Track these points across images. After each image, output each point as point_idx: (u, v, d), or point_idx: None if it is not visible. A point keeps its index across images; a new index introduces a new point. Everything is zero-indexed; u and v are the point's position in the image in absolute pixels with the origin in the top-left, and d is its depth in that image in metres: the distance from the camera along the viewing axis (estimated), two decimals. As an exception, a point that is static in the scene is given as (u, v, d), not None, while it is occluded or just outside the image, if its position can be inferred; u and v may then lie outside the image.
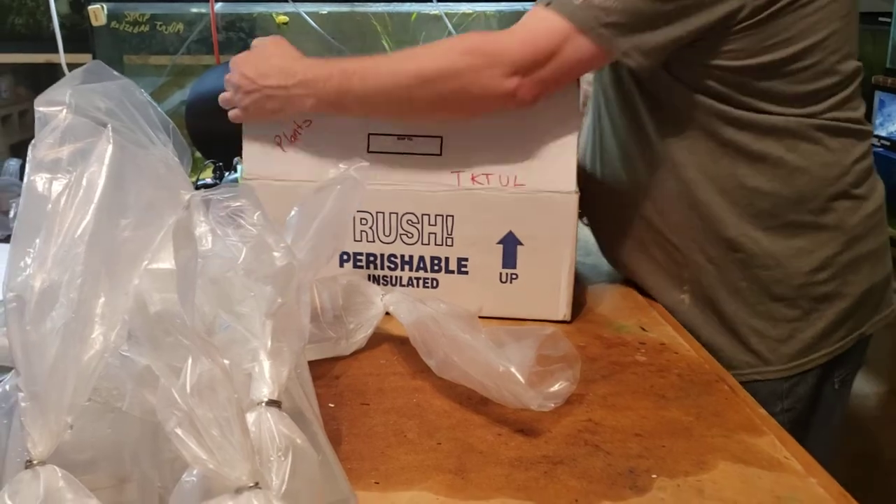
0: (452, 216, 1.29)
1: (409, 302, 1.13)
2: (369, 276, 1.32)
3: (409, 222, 1.30)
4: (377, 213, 1.29)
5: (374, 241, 1.31)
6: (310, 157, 1.32)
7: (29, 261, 0.66)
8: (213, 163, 2.10)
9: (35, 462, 0.62)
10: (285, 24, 2.51)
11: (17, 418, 0.67)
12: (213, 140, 2.31)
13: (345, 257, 1.32)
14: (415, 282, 1.33)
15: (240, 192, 0.91)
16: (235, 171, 1.94)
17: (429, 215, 1.29)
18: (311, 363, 0.90)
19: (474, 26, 2.70)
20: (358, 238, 1.30)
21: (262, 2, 2.54)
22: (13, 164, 2.08)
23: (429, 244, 1.31)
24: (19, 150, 3.50)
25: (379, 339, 1.21)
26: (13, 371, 0.70)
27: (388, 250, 1.31)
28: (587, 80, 1.46)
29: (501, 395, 1.00)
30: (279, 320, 0.79)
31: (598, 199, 1.41)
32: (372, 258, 1.32)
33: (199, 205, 0.84)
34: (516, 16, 2.71)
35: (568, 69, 1.18)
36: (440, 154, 1.29)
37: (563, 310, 1.31)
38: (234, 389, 0.64)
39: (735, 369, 1.28)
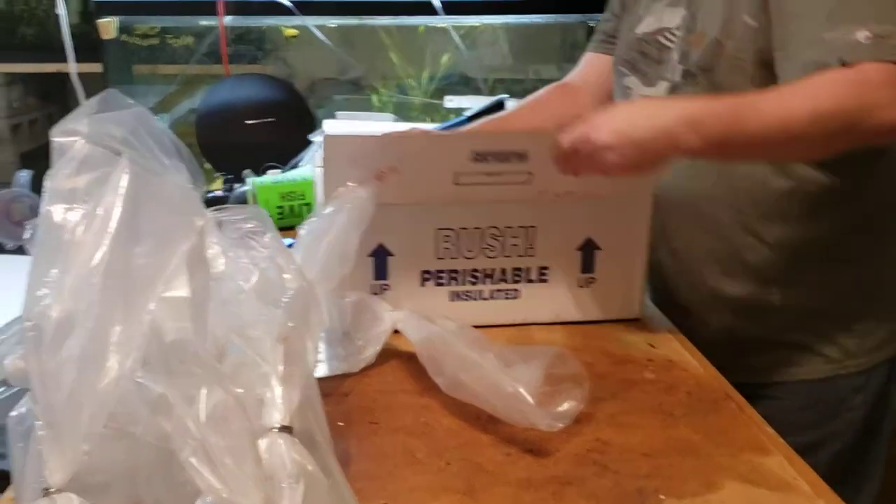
0: (535, 227, 1.31)
1: (417, 320, 1.14)
2: (451, 292, 1.34)
3: (493, 236, 1.32)
4: (460, 229, 1.30)
5: (457, 258, 1.32)
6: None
7: (46, 290, 0.67)
8: (223, 175, 2.12)
9: (52, 490, 0.63)
10: (294, 37, 2.53)
11: (33, 442, 0.67)
12: (222, 152, 2.33)
13: (426, 276, 1.33)
14: (496, 294, 1.35)
15: (251, 213, 0.92)
16: (244, 182, 1.96)
17: (511, 227, 1.31)
18: (319, 380, 0.91)
19: (482, 39, 2.71)
20: (441, 255, 1.32)
21: (270, 15, 2.54)
22: (24, 175, 2.09)
23: (511, 256, 1.33)
24: (30, 160, 3.51)
25: (387, 355, 1.22)
26: (29, 394, 0.71)
27: (470, 265, 1.33)
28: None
29: (510, 415, 1.00)
30: (290, 344, 0.79)
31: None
32: (454, 274, 1.33)
33: (211, 227, 0.85)
34: (524, 28, 2.74)
35: None
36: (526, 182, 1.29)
37: (637, 308, 1.38)
38: (247, 419, 0.64)
39: (816, 366, 1.34)
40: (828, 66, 1.10)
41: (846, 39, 1.10)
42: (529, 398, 0.97)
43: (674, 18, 1.36)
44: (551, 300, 1.35)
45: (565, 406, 1.00)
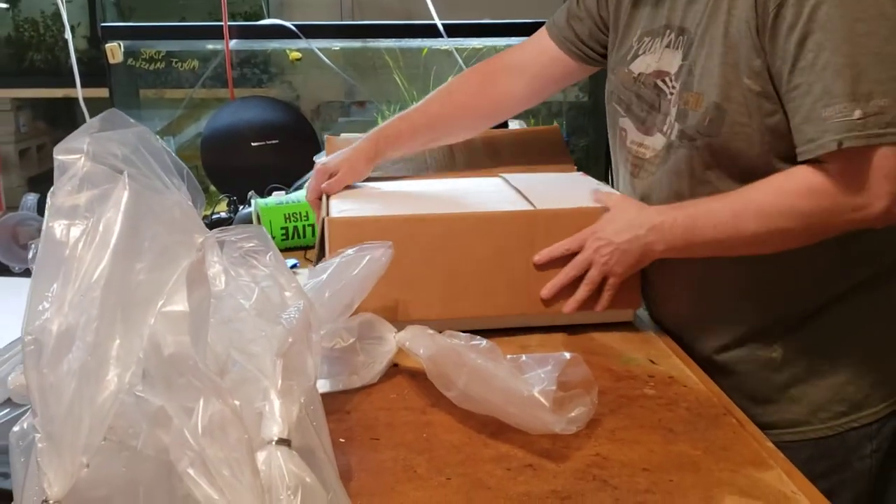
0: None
1: (424, 336, 1.15)
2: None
3: None
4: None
5: None
6: None
7: (47, 305, 0.68)
8: (228, 196, 2.13)
9: (51, 502, 0.63)
10: (298, 60, 2.55)
11: (34, 457, 0.68)
12: (227, 174, 2.35)
13: None
14: None
15: (252, 232, 0.93)
16: (249, 204, 1.97)
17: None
18: (322, 397, 0.92)
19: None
20: None
21: (275, 38, 2.57)
22: (31, 198, 2.10)
23: None
24: (37, 184, 3.54)
25: (389, 372, 1.22)
26: (31, 410, 0.72)
27: None
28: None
29: (525, 421, 1.02)
30: (290, 359, 0.80)
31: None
32: None
33: (212, 245, 0.86)
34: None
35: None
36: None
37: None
38: (245, 430, 0.65)
39: (829, 421, 1.32)
40: (828, 149, 1.15)
41: (844, 120, 1.13)
42: (546, 403, 0.99)
43: (673, 63, 1.34)
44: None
45: (577, 411, 1.02)
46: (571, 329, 1.39)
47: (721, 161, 1.28)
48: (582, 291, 1.35)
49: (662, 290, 1.43)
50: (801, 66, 1.16)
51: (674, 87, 1.33)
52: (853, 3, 1.13)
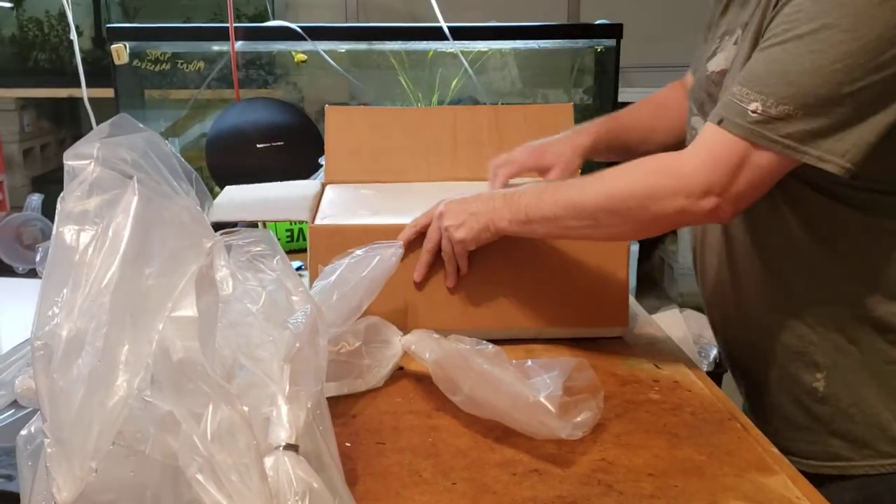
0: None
1: (430, 341, 1.15)
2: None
3: None
4: None
5: None
6: None
7: (56, 310, 0.69)
8: (233, 198, 2.13)
9: (61, 507, 0.64)
10: (304, 62, 2.55)
11: (42, 460, 0.69)
12: (232, 175, 2.35)
13: None
14: None
15: (260, 237, 0.93)
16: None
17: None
18: (328, 400, 0.92)
19: (490, 64, 2.72)
20: None
21: (280, 40, 2.57)
22: (35, 199, 2.11)
23: None
24: (41, 184, 3.55)
25: (395, 376, 1.23)
26: (38, 413, 0.72)
27: None
28: None
29: (531, 426, 1.02)
30: (297, 364, 0.80)
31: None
32: None
33: (220, 250, 0.86)
34: (532, 53, 2.76)
35: (759, 181, 1.13)
36: None
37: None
38: (254, 436, 0.65)
39: (870, 460, 1.25)
40: (711, 120, 1.14)
41: (738, 105, 1.11)
42: (552, 408, 0.99)
43: (729, 59, 1.29)
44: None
45: (582, 416, 1.02)
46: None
47: None
48: (423, 257, 1.33)
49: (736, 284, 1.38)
50: (760, 45, 1.15)
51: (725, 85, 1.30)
52: (832, 6, 1.08)
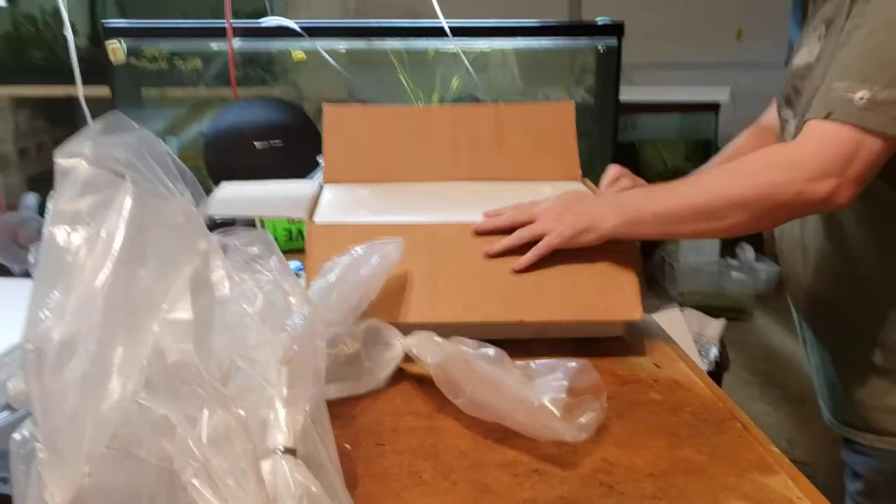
0: None
1: (432, 343, 1.14)
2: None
3: None
4: None
5: None
6: None
7: (48, 312, 0.68)
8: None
9: (54, 512, 0.63)
10: (303, 60, 2.54)
11: (35, 465, 0.68)
12: (230, 174, 2.33)
13: None
14: None
15: (256, 237, 0.92)
16: (252, 205, 1.96)
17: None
18: (328, 402, 0.91)
19: (491, 62, 2.72)
20: None
21: (279, 38, 2.56)
22: (31, 198, 2.10)
23: None
24: (37, 183, 3.54)
25: (395, 378, 1.21)
26: (30, 417, 0.71)
27: None
28: None
29: (535, 429, 1.01)
30: (295, 366, 0.79)
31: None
32: None
33: (216, 251, 0.85)
34: (533, 52, 2.75)
35: (873, 163, 1.17)
36: None
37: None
38: (250, 439, 0.65)
39: None
40: (815, 115, 1.17)
41: (843, 96, 1.15)
42: (556, 411, 0.99)
43: (814, 53, 1.33)
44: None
45: (586, 417, 1.02)
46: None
47: None
48: (509, 240, 1.30)
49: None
50: (844, 39, 1.19)
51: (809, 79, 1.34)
52: None
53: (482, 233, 1.32)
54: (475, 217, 1.36)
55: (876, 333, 1.33)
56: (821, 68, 1.26)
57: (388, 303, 1.25)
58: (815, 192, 1.15)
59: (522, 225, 1.30)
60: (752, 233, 1.26)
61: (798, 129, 1.25)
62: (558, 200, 1.31)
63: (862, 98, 1.13)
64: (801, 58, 1.38)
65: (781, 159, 1.19)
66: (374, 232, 1.27)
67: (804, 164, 1.16)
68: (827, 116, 1.15)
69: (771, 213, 1.20)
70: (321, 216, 1.39)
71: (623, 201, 1.28)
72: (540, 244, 1.28)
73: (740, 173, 1.22)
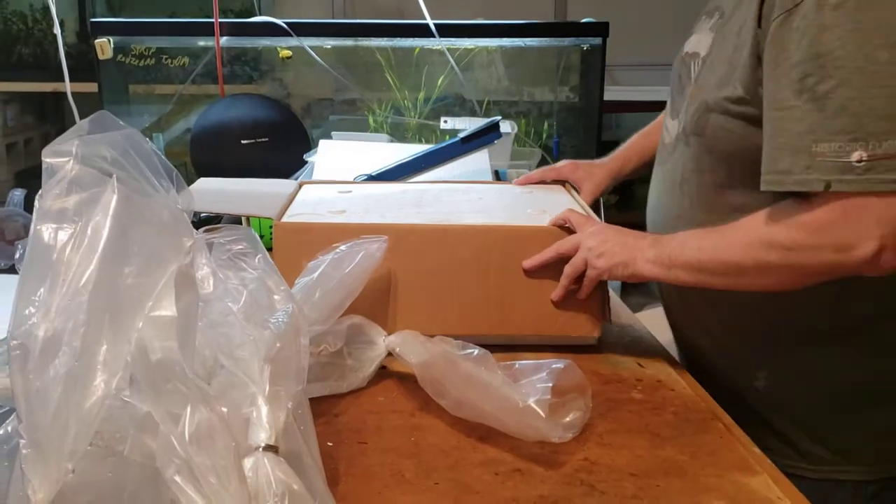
0: None
1: (416, 342, 1.14)
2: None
3: None
4: None
5: None
6: None
7: (33, 309, 0.68)
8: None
9: (37, 508, 0.63)
10: (289, 57, 2.54)
11: (18, 461, 0.68)
12: (216, 171, 2.34)
13: None
14: None
15: (241, 234, 0.93)
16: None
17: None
18: (310, 400, 0.91)
19: (476, 61, 2.72)
20: None
21: (266, 36, 2.56)
22: (17, 194, 2.09)
23: None
24: (25, 179, 3.53)
25: (378, 376, 1.22)
26: (14, 413, 0.71)
27: None
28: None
29: (520, 430, 1.02)
30: (278, 364, 0.80)
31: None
32: None
33: (201, 248, 0.86)
34: (518, 51, 2.76)
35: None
36: None
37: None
38: (232, 437, 0.65)
39: (812, 464, 1.27)
40: (812, 188, 1.03)
41: (837, 161, 1.01)
42: (541, 412, 0.99)
43: (703, 46, 1.24)
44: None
45: (571, 417, 1.03)
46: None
47: (702, 166, 1.24)
48: (563, 282, 1.29)
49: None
50: (798, 87, 1.03)
51: (695, 73, 1.26)
52: (874, 27, 0.99)
53: (531, 270, 1.30)
54: (451, 218, 1.37)
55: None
56: (710, 73, 1.20)
57: (369, 310, 1.25)
58: (848, 260, 1.04)
59: (569, 255, 1.28)
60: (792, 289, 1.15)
61: (687, 113, 1.23)
62: (605, 230, 1.28)
63: (860, 161, 0.99)
64: (691, 45, 1.30)
65: (806, 227, 1.07)
66: (343, 232, 1.24)
67: (824, 232, 1.04)
68: (828, 188, 1.01)
69: (802, 279, 1.11)
70: (291, 215, 1.38)
71: (665, 244, 1.20)
72: (585, 275, 1.27)
73: (767, 235, 1.10)
